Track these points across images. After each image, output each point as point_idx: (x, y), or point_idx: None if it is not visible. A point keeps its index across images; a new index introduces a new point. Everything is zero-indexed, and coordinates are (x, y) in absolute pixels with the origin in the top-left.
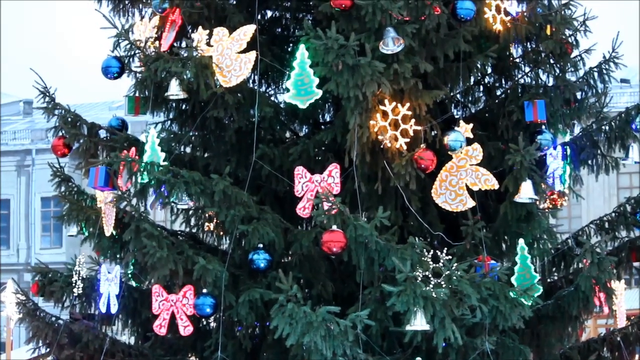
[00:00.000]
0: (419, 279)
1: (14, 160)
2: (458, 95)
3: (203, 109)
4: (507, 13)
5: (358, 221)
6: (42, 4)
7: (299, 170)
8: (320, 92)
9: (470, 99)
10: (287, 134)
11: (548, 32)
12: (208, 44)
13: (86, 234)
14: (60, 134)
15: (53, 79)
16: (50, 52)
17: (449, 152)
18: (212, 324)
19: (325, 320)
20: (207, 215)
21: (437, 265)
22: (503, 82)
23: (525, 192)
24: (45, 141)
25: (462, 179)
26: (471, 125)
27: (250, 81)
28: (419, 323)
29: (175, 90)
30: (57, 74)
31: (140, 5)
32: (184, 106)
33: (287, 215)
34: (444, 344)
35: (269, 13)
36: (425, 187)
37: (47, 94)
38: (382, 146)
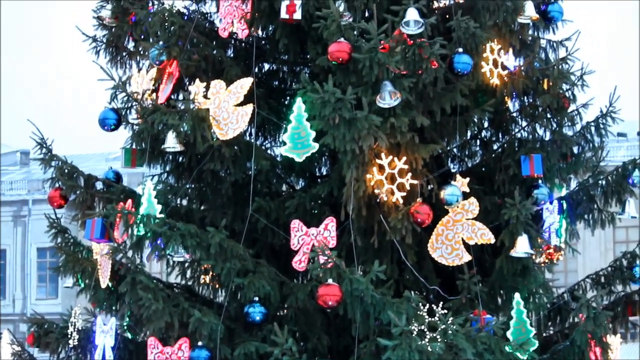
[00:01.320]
0: (415, 333)
1: (10, 211)
2: (455, 149)
3: (200, 161)
4: (504, 67)
5: (354, 275)
6: (39, 54)
7: (295, 223)
8: (316, 146)
9: (466, 153)
10: (284, 187)
11: (545, 86)
12: (205, 97)
13: (82, 285)
14: (56, 185)
15: (50, 130)
16: (47, 102)
17: (446, 206)
18: None
19: None
20: (203, 267)
21: (433, 319)
22: (500, 136)
23: (521, 247)
24: (41, 192)
25: (458, 233)
26: (467, 179)
27: (247, 134)
28: None
29: (172, 142)
30: (53, 124)
31: (138, 58)
32: (180, 159)
33: (283, 268)
34: None
35: (266, 66)
36: (421, 241)
37: (44, 145)
38: (378, 200)
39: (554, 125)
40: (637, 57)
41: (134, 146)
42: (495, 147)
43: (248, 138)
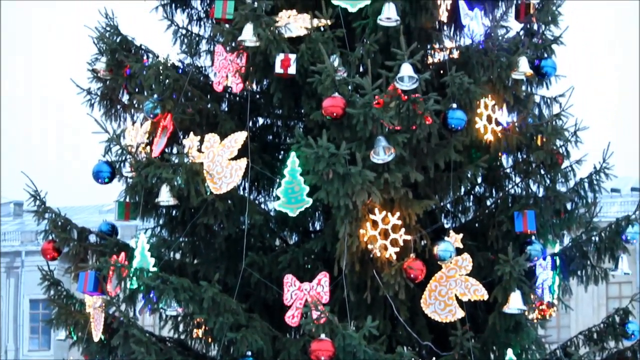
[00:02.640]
0: None
1: (3, 262)
2: (448, 205)
3: (193, 215)
4: (498, 123)
5: (347, 330)
6: (34, 106)
7: (288, 278)
8: (310, 201)
9: (460, 209)
10: (277, 242)
11: (539, 142)
12: (199, 151)
13: (75, 338)
14: (50, 237)
15: (44, 181)
16: (41, 153)
17: (439, 262)
18: None
19: None
20: (195, 321)
21: None
22: (493, 192)
23: (514, 303)
24: (35, 243)
25: (451, 289)
26: (461, 235)
27: (241, 188)
28: None
29: (165, 196)
30: (47, 175)
31: (132, 111)
32: (174, 212)
33: (276, 323)
34: None
35: (261, 120)
36: (414, 297)
37: (38, 197)
38: (371, 255)
39: (548, 181)
40: (633, 113)
41: (127, 199)
42: (488, 203)
43: (242, 192)
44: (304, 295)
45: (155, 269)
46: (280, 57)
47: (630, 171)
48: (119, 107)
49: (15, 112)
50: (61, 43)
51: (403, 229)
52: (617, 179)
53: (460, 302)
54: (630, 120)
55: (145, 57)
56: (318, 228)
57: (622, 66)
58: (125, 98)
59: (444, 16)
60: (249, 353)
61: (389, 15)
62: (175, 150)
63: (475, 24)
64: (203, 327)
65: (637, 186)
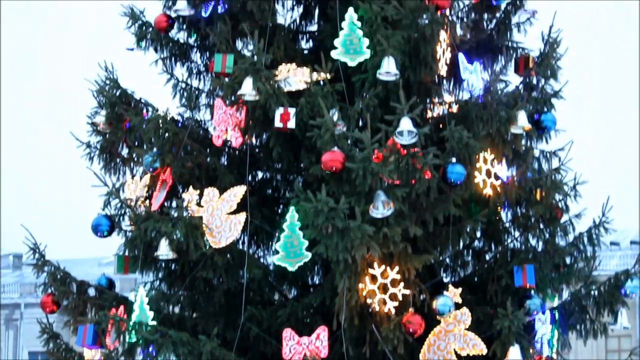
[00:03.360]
0: None
1: (2, 314)
2: (447, 260)
3: (192, 269)
4: (497, 177)
5: None
6: (34, 157)
7: (287, 332)
8: (309, 255)
9: (459, 263)
10: (276, 296)
11: (538, 196)
12: (198, 205)
13: None
14: (49, 290)
15: (42, 233)
16: (40, 205)
17: (438, 317)
18: None
19: None
20: None
21: None
22: (492, 246)
23: (513, 357)
24: (34, 295)
25: (450, 344)
26: (460, 289)
27: (240, 242)
28: None
29: (164, 250)
30: (46, 227)
31: (132, 164)
32: (173, 266)
33: None
34: None
35: (260, 174)
36: (413, 351)
37: (37, 250)
38: (370, 310)
39: (547, 235)
40: (632, 166)
41: (126, 253)
42: (487, 257)
43: (241, 246)
44: (302, 349)
45: (154, 322)
46: (279, 111)
47: (629, 224)
48: (118, 160)
49: (15, 163)
50: (61, 96)
51: (402, 284)
52: (616, 233)
53: (459, 356)
54: (629, 173)
55: (145, 111)
56: (317, 282)
57: (621, 118)
58: (124, 151)
59: (443, 70)
60: None
61: (389, 70)
62: (174, 204)
63: (474, 77)
64: None
65: (636, 239)
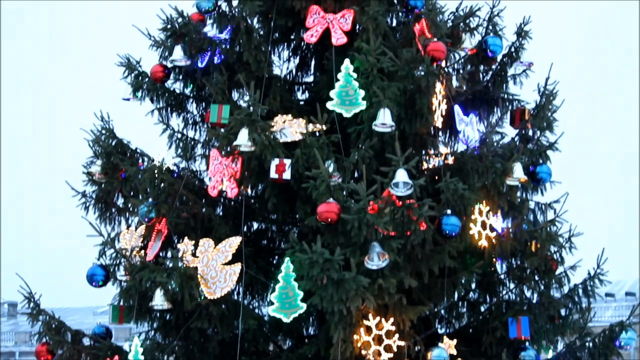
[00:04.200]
0: None
1: None
2: (442, 311)
3: (187, 319)
4: (492, 229)
5: None
6: (29, 206)
7: None
8: (304, 307)
9: (454, 314)
10: (271, 347)
11: (533, 248)
12: (194, 255)
13: None
14: (44, 339)
15: (37, 282)
16: (36, 254)
17: None
18: None
19: None
20: None
21: None
22: (487, 298)
23: None
24: (29, 344)
25: None
26: (455, 341)
27: (235, 293)
28: None
29: (159, 300)
30: (41, 276)
31: (127, 214)
32: (168, 316)
33: None
34: None
35: (255, 225)
36: None
37: (32, 299)
38: None
39: (542, 287)
40: (626, 217)
41: (121, 303)
42: (482, 309)
43: (236, 297)
44: None
45: None
46: (275, 162)
47: (624, 275)
48: (113, 210)
49: (11, 213)
50: (56, 145)
51: (397, 335)
52: (611, 285)
53: None
54: (623, 224)
55: (140, 161)
56: (312, 333)
57: (618, 169)
58: (120, 201)
59: (439, 122)
60: None
61: (384, 121)
62: (169, 254)
63: (470, 129)
64: None
65: (631, 291)
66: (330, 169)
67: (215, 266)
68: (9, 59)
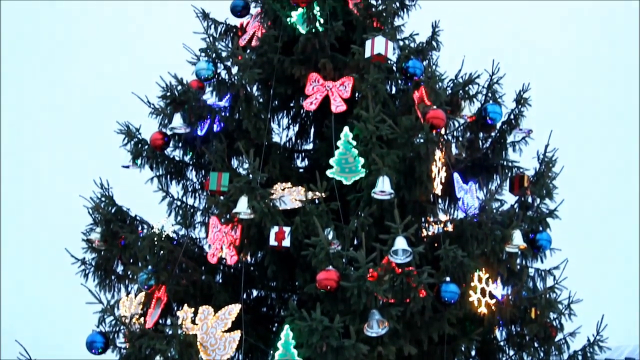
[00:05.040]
0: None
1: None
2: None
3: None
4: (492, 296)
5: None
6: (29, 271)
7: None
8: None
9: None
10: None
11: (533, 315)
12: (193, 322)
13: None
14: None
15: (36, 349)
16: (34, 321)
17: None
18: None
19: None
20: None
21: None
22: None
23: None
24: None
25: None
26: None
27: None
28: None
29: None
30: (40, 344)
31: (127, 281)
32: None
33: None
34: None
35: (255, 292)
36: None
37: None
38: None
39: (541, 354)
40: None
41: None
42: None
43: None
44: None
45: None
46: (274, 229)
47: (623, 340)
48: (113, 277)
49: (10, 278)
50: (56, 212)
51: None
52: (611, 350)
53: None
54: (621, 289)
55: (140, 228)
56: None
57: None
58: (119, 269)
59: (438, 189)
60: None
61: (383, 189)
62: (169, 322)
63: (469, 197)
64: None
65: (631, 356)
66: (330, 237)
67: (214, 334)
68: (9, 124)
